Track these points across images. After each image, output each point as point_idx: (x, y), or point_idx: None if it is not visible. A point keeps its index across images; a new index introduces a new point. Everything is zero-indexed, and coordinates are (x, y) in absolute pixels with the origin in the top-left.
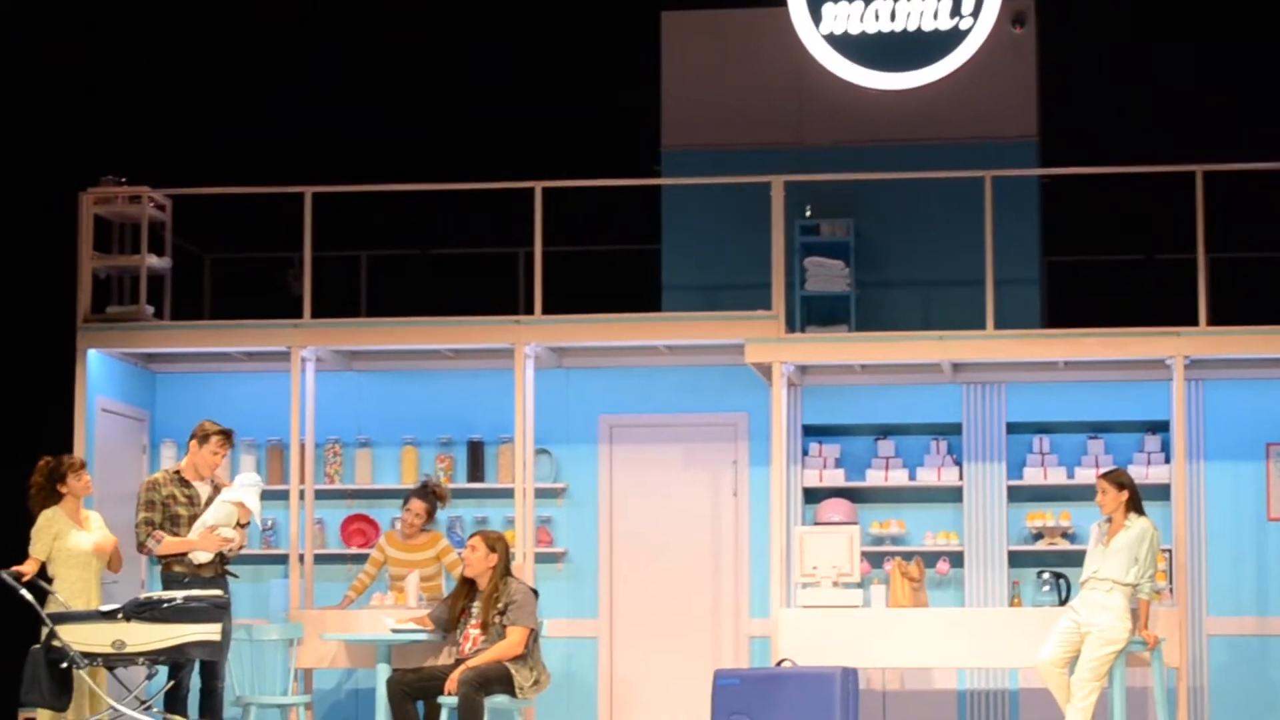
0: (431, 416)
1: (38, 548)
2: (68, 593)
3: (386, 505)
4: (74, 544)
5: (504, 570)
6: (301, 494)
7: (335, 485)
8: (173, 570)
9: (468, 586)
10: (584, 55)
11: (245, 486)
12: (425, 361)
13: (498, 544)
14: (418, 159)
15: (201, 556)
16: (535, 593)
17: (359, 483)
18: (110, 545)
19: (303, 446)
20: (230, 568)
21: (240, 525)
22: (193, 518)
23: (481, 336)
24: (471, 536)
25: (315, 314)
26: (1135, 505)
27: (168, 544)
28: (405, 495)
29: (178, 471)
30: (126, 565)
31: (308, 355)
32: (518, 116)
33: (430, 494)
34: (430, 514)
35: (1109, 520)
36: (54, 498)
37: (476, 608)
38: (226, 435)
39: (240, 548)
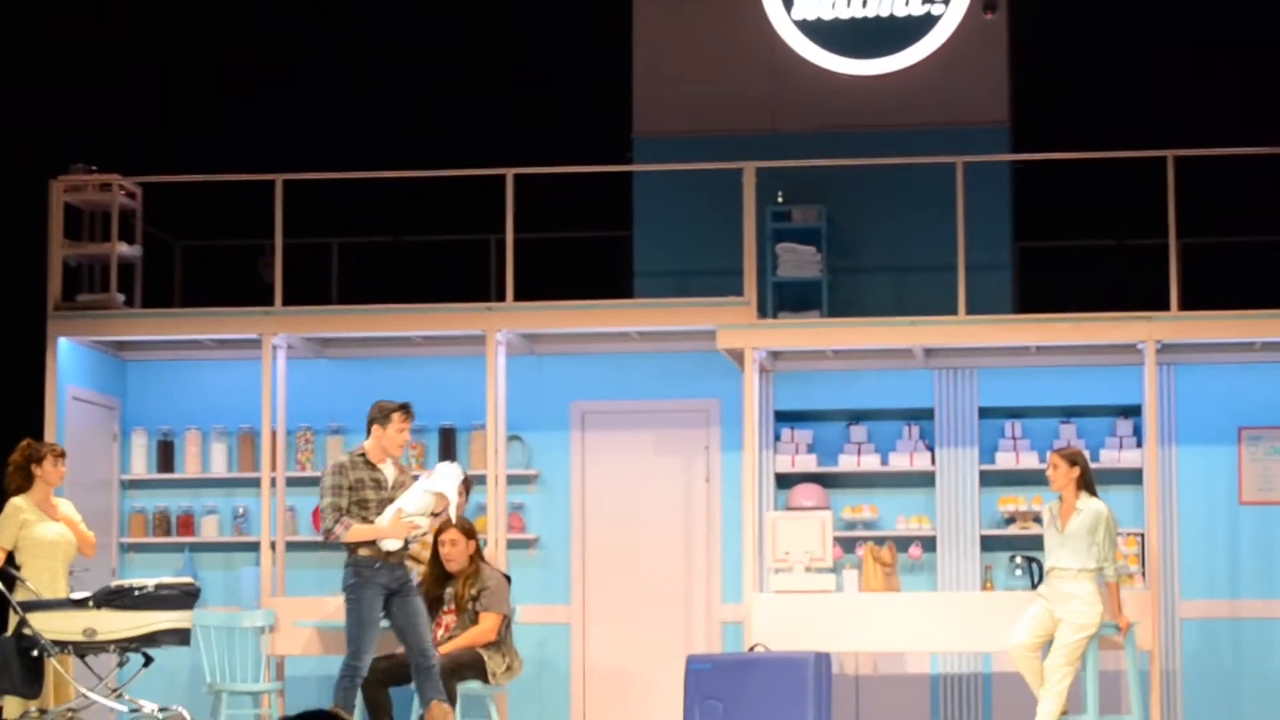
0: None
1: (3, 536)
2: (34, 582)
3: None
4: (41, 533)
5: (479, 556)
6: (273, 481)
7: (307, 473)
8: (359, 555)
9: (439, 573)
10: (556, 41)
11: (447, 477)
12: (397, 349)
13: (473, 531)
14: (389, 146)
15: (391, 544)
16: (508, 579)
17: None
18: (84, 531)
19: (274, 434)
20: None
21: (433, 514)
22: (381, 501)
23: (453, 324)
24: (445, 530)
25: (286, 301)
26: (1087, 485)
27: (356, 531)
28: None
29: (363, 454)
30: (99, 553)
31: (279, 343)
32: (489, 103)
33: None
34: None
35: (1060, 500)
36: (26, 482)
37: (450, 594)
38: (406, 409)
39: (424, 534)
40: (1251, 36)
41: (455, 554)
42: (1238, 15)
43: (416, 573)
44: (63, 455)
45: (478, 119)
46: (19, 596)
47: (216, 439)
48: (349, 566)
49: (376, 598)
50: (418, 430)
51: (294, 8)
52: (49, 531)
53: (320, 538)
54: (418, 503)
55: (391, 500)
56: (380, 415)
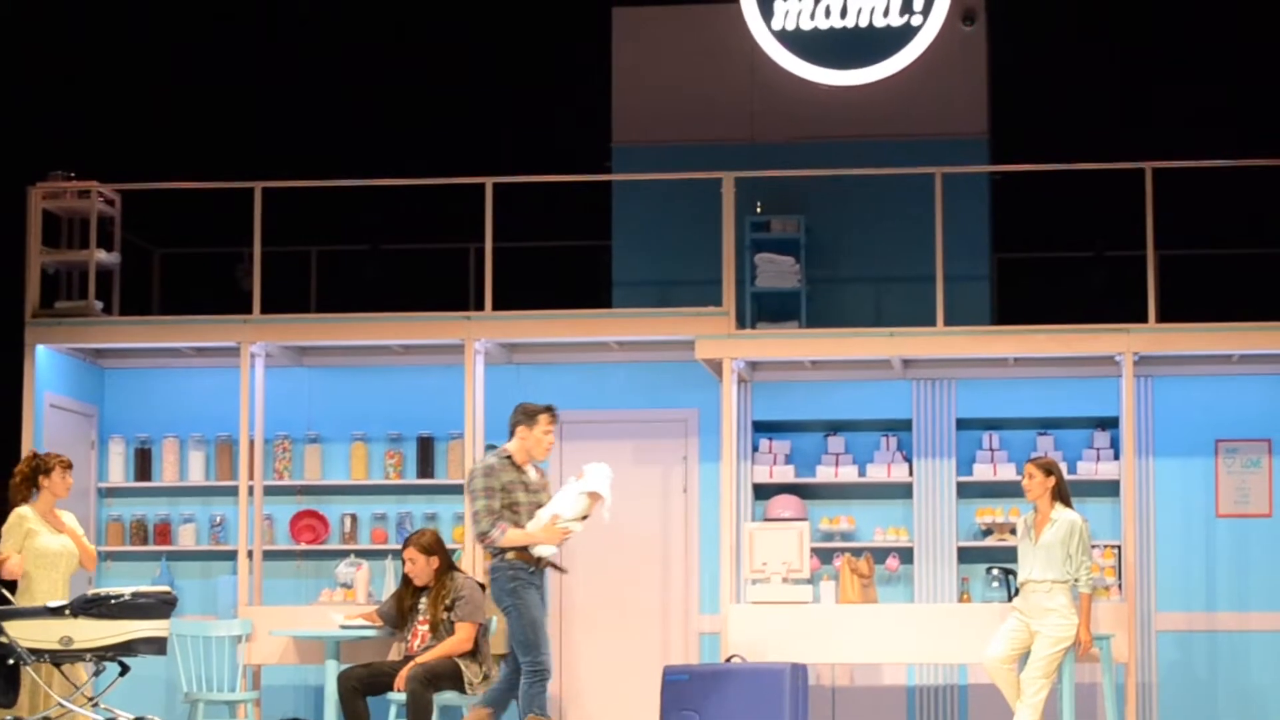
0: (381, 412)
1: (8, 545)
2: (39, 594)
3: (336, 501)
4: (45, 544)
5: (447, 567)
6: (251, 490)
7: (284, 481)
8: (509, 559)
9: (413, 584)
10: (535, 51)
11: (599, 476)
12: (375, 357)
13: (433, 546)
14: (368, 154)
15: (546, 550)
16: (482, 587)
17: (308, 478)
18: (86, 544)
19: (252, 442)
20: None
21: (583, 517)
22: (531, 504)
23: (432, 332)
24: (404, 549)
25: (265, 309)
26: (1062, 496)
27: (511, 536)
28: None
29: (509, 456)
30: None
31: (257, 351)
32: (469, 112)
33: None
34: None
35: (1035, 511)
36: (31, 493)
37: (424, 605)
38: (552, 411)
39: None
40: (1229, 49)
41: (416, 571)
42: (1216, 28)
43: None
44: (70, 467)
45: (457, 128)
46: None
47: (194, 447)
48: (502, 571)
49: (536, 595)
50: (396, 439)
51: (274, 16)
52: (53, 543)
53: (481, 540)
54: (574, 506)
55: (539, 504)
56: (526, 417)
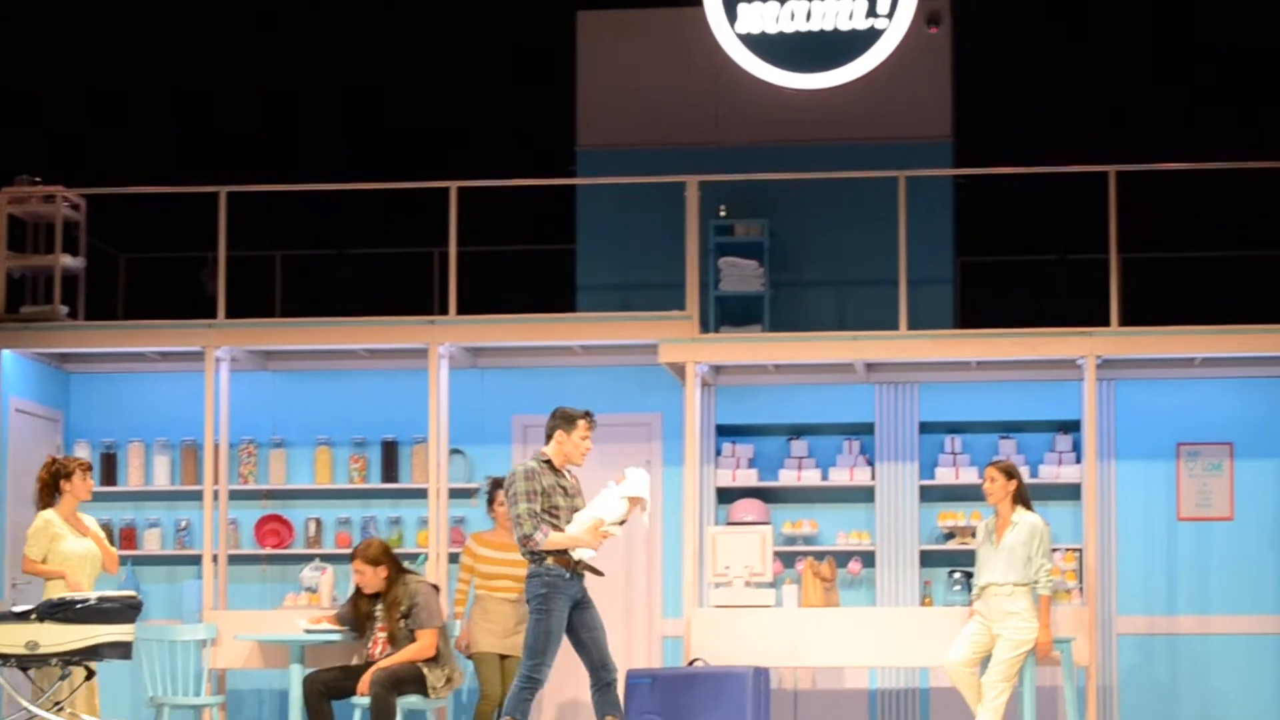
0: (346, 416)
1: (34, 549)
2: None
3: (300, 505)
4: (70, 548)
5: (398, 573)
6: (215, 494)
7: (249, 485)
8: (548, 564)
9: (365, 593)
10: (500, 55)
11: (639, 481)
12: (340, 361)
13: (380, 556)
14: (333, 159)
15: (586, 553)
16: (436, 588)
17: (273, 483)
18: (109, 547)
19: (217, 447)
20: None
21: (621, 521)
22: (569, 508)
23: (396, 336)
24: (351, 561)
25: (230, 314)
26: (1022, 499)
27: (554, 539)
28: (489, 492)
29: (547, 460)
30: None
31: (222, 355)
32: (433, 116)
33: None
34: None
35: (996, 515)
36: (52, 498)
37: (380, 613)
38: (590, 416)
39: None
40: (1192, 53)
41: (365, 582)
42: (1179, 31)
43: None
44: (89, 469)
45: (421, 132)
46: None
47: (159, 451)
48: (539, 576)
49: (565, 608)
50: (360, 444)
51: (238, 21)
52: (78, 546)
53: (525, 543)
54: (616, 510)
55: (576, 509)
56: (564, 422)
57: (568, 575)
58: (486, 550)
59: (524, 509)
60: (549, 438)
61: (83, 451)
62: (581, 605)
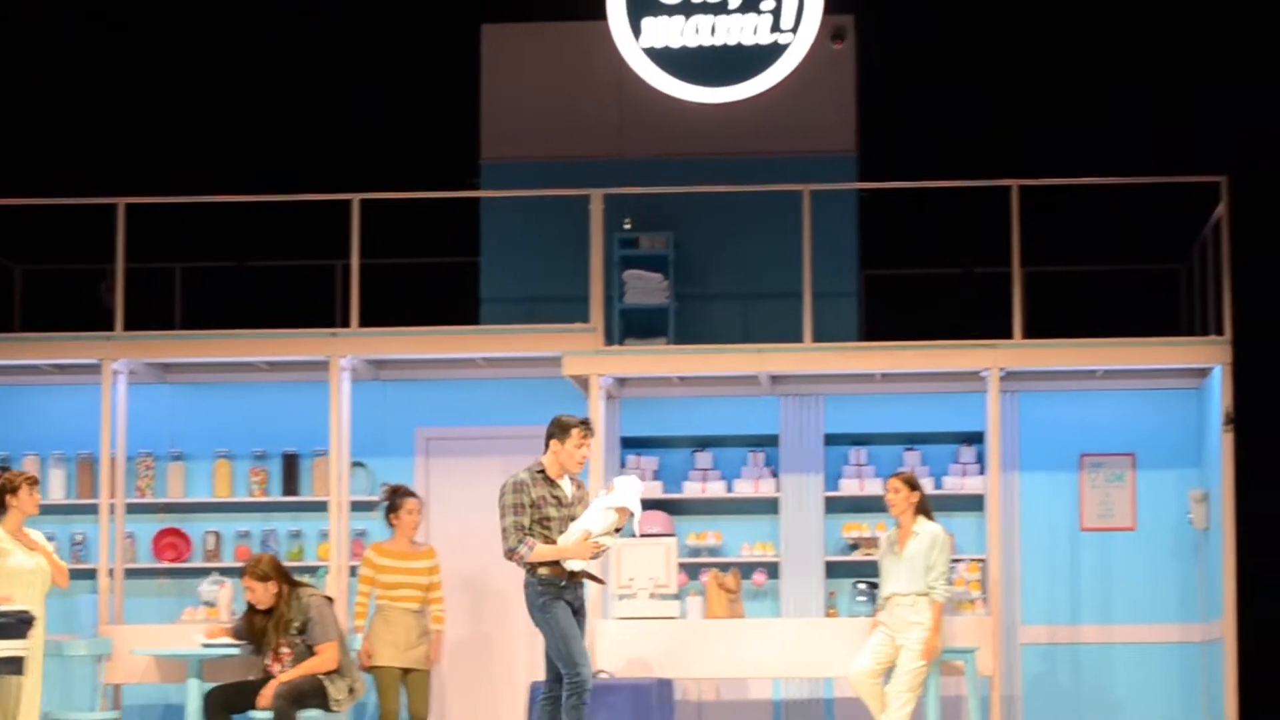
0: (246, 429)
1: None
2: None
3: (199, 519)
4: (18, 563)
5: (289, 588)
6: (112, 508)
7: (147, 499)
8: (541, 574)
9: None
10: (403, 67)
11: (628, 490)
12: (240, 374)
13: (270, 571)
14: (233, 170)
15: (575, 564)
16: (330, 600)
17: (171, 496)
18: (58, 561)
19: (114, 460)
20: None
21: (615, 530)
22: (563, 518)
23: (296, 349)
24: (243, 578)
25: (128, 326)
26: (924, 510)
27: (541, 552)
28: (388, 500)
29: (541, 470)
30: None
31: (119, 368)
32: (335, 127)
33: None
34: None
35: (898, 526)
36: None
37: (273, 628)
38: (586, 425)
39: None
40: (1095, 69)
41: (255, 599)
42: (1082, 48)
43: None
44: (36, 483)
45: (323, 143)
46: None
47: (55, 465)
48: (532, 587)
49: (567, 609)
50: (260, 457)
51: (134, 29)
52: (27, 562)
53: (509, 556)
54: (602, 522)
55: (573, 517)
56: (559, 430)
57: (561, 583)
58: (387, 560)
59: (509, 522)
60: (546, 446)
61: None
62: (578, 613)
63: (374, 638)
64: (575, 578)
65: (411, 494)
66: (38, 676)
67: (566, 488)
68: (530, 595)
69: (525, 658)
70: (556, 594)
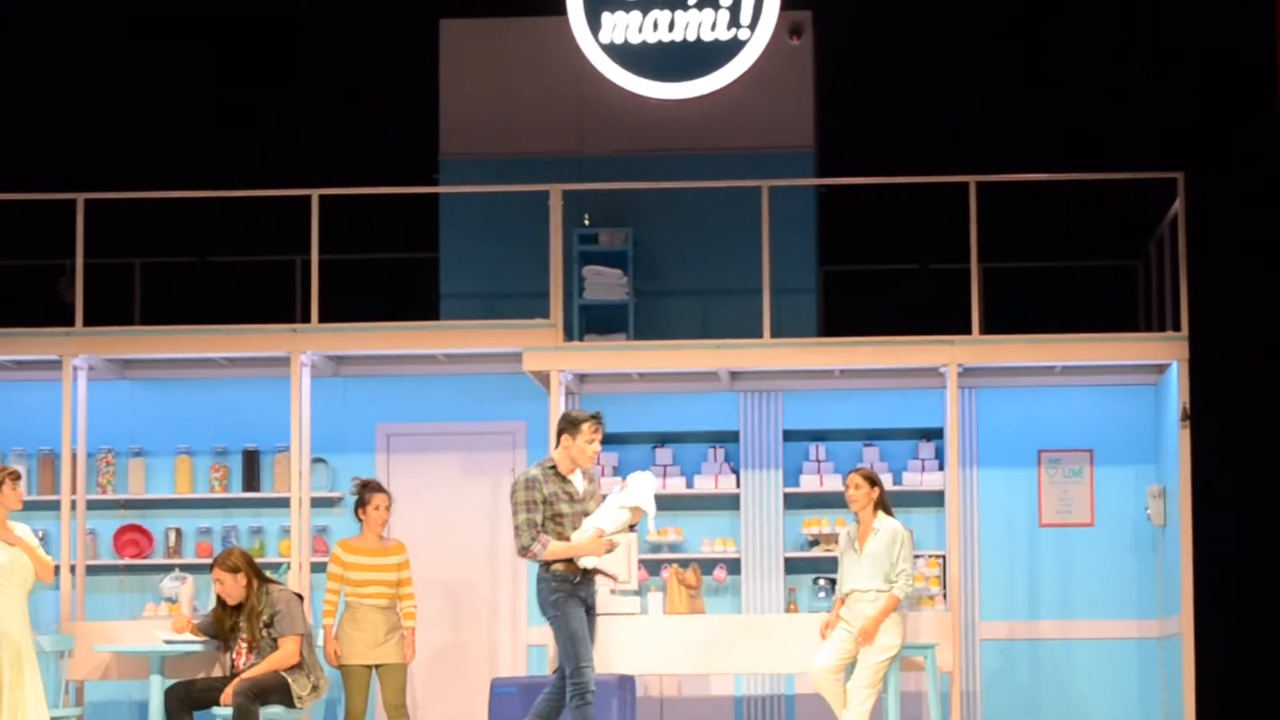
0: (207, 425)
1: None
2: None
3: (160, 515)
4: None
5: (259, 582)
6: (73, 504)
7: (108, 495)
8: (554, 570)
9: (228, 603)
10: (362, 62)
11: (642, 488)
12: (200, 370)
13: (240, 564)
14: (193, 166)
15: (588, 562)
16: (299, 596)
17: (132, 493)
18: (41, 556)
19: (74, 456)
20: None
21: (630, 528)
22: (575, 514)
23: (257, 345)
24: (211, 571)
25: (88, 322)
26: (884, 505)
27: (554, 549)
28: (358, 495)
29: (553, 466)
30: None
31: (80, 364)
32: (295, 123)
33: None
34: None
35: (857, 522)
36: None
37: (243, 622)
38: (597, 418)
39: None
40: (1054, 66)
41: (226, 591)
42: (1041, 45)
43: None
44: (19, 478)
45: (283, 139)
46: None
47: (15, 461)
48: (546, 583)
49: (580, 608)
50: (221, 453)
51: (92, 24)
52: (3, 557)
53: (523, 554)
54: (615, 520)
55: (586, 513)
56: (569, 425)
57: (575, 579)
58: (354, 557)
59: (522, 520)
60: (557, 442)
61: None
62: (591, 611)
63: (342, 636)
64: (589, 575)
65: (380, 489)
66: (35, 672)
67: (578, 483)
68: (543, 592)
69: (485, 653)
70: (570, 591)
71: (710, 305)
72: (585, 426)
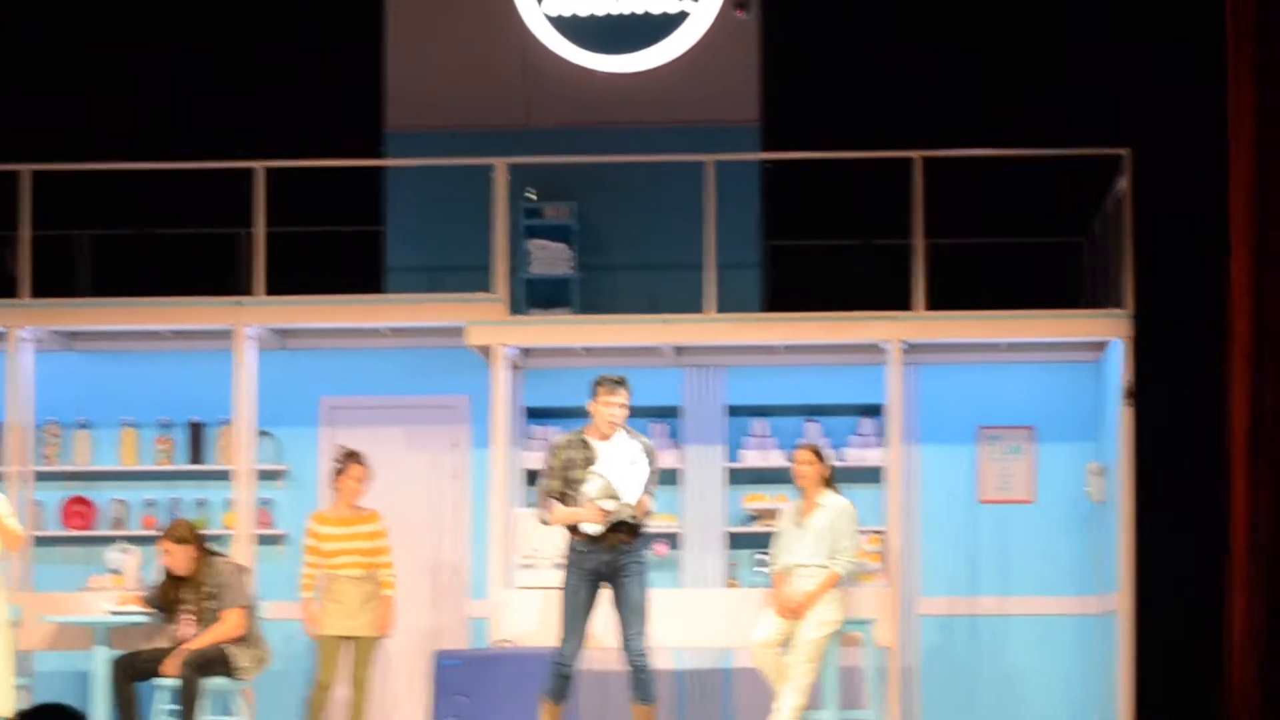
0: (152, 398)
1: None
2: None
3: (106, 487)
4: None
5: (205, 554)
6: (20, 475)
7: (54, 467)
8: (572, 538)
9: (174, 575)
10: (306, 34)
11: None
12: (146, 343)
13: (187, 535)
14: (138, 137)
15: (590, 528)
16: (244, 569)
17: (78, 464)
18: (10, 525)
19: (20, 428)
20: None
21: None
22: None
23: (201, 318)
24: (158, 543)
25: (34, 294)
26: (830, 482)
27: (557, 516)
28: (337, 464)
29: (582, 432)
30: None
31: (25, 335)
32: (240, 95)
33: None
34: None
35: (802, 497)
36: None
37: (189, 594)
38: (606, 381)
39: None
40: (997, 42)
41: (173, 563)
42: (985, 19)
43: None
44: None
45: (228, 110)
46: None
47: None
48: (565, 550)
49: (581, 583)
50: (166, 425)
51: None
52: None
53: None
54: (592, 486)
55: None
56: (592, 388)
57: (583, 549)
58: (327, 528)
59: (540, 486)
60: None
61: None
62: (618, 578)
63: (320, 606)
64: (600, 542)
65: (359, 460)
66: (7, 640)
67: (623, 448)
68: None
69: (428, 625)
70: (576, 561)
71: (655, 279)
72: (600, 390)
